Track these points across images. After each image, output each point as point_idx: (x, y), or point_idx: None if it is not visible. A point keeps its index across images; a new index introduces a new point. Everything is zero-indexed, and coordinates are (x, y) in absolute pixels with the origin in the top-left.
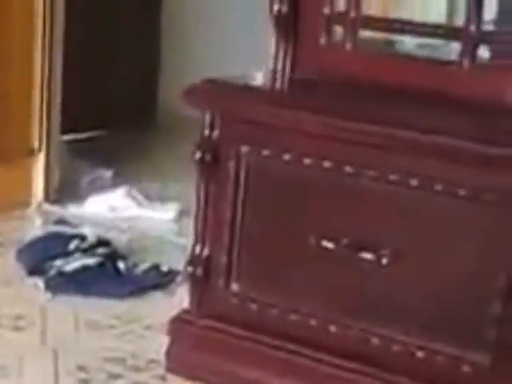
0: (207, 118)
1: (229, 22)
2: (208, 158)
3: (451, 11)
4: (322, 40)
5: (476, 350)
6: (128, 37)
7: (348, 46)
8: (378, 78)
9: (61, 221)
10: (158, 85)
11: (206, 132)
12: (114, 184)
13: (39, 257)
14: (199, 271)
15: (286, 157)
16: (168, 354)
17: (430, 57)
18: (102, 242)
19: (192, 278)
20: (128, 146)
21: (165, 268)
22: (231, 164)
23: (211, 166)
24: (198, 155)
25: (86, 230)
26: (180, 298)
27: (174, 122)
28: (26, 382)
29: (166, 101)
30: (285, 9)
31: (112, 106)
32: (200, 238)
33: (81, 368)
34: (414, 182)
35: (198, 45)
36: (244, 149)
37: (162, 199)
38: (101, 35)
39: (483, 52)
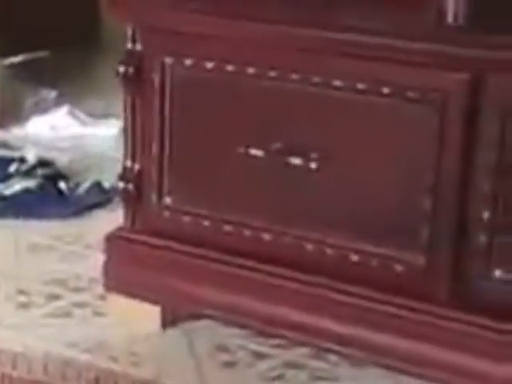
0: (129, 31)
1: None
2: (132, 71)
3: None
4: None
5: (410, 249)
6: None
7: None
8: None
9: (1, 144)
10: (101, 1)
11: (129, 45)
12: (57, 104)
13: None
14: (131, 186)
15: (209, 65)
16: (105, 272)
17: None
18: (43, 163)
19: (124, 193)
20: (71, 65)
21: (107, 185)
22: (156, 76)
23: (136, 79)
24: (121, 69)
25: (27, 152)
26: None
27: (118, 39)
28: None
29: (110, 18)
30: None
31: (54, 26)
32: (130, 152)
33: (20, 292)
34: (338, 83)
35: None
36: (167, 60)
37: (105, 117)
38: None
39: None
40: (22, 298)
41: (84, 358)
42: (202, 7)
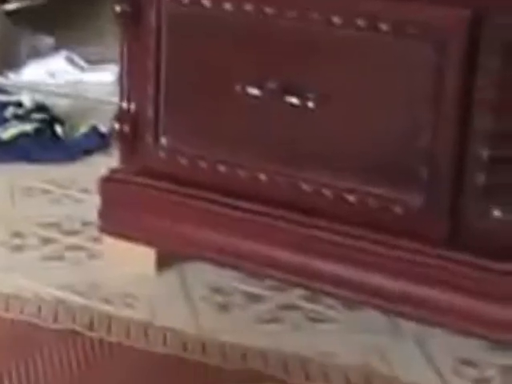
0: None
1: None
2: (128, 8)
3: None
4: None
5: (408, 189)
6: None
7: None
8: None
9: None
10: None
11: None
12: (55, 50)
13: None
14: (126, 128)
15: (206, 2)
16: (100, 214)
17: None
18: (40, 108)
19: (120, 134)
20: (69, 11)
21: (104, 130)
22: (151, 15)
23: (132, 18)
24: (117, 7)
25: (24, 97)
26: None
27: None
28: None
29: None
30: None
31: None
32: (126, 93)
33: (15, 234)
34: (336, 20)
35: None
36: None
37: (103, 63)
38: None
39: None
40: (16, 241)
41: (78, 300)
42: None
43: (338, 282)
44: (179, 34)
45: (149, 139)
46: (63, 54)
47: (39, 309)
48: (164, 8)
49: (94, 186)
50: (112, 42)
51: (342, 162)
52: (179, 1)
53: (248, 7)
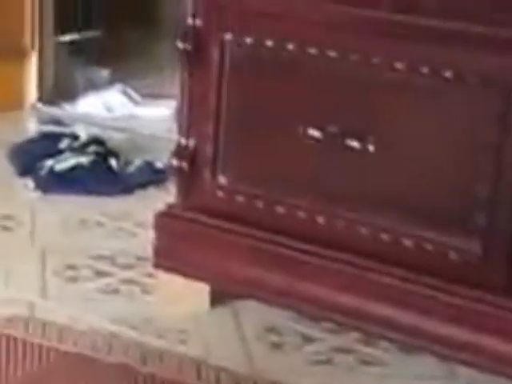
0: (189, 7)
1: None
2: (191, 47)
3: None
4: None
5: (465, 236)
6: None
7: None
8: None
9: (53, 121)
10: None
11: (189, 20)
12: (110, 83)
13: (30, 157)
14: (184, 164)
15: (269, 43)
16: (155, 249)
17: None
18: (95, 141)
19: (178, 171)
20: (126, 44)
21: (158, 164)
22: (215, 53)
23: (194, 55)
24: (180, 45)
25: (79, 129)
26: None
27: (174, 18)
28: (13, 282)
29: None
30: None
31: (109, 5)
32: (185, 129)
33: (69, 266)
34: (398, 66)
35: None
36: (227, 36)
37: (159, 97)
38: None
39: None
40: (71, 273)
41: (131, 334)
42: None
43: (394, 325)
44: (241, 73)
45: (207, 176)
46: (118, 87)
47: (93, 341)
48: (227, 47)
49: (148, 220)
50: (167, 77)
51: (399, 206)
52: (242, 40)
53: (312, 50)
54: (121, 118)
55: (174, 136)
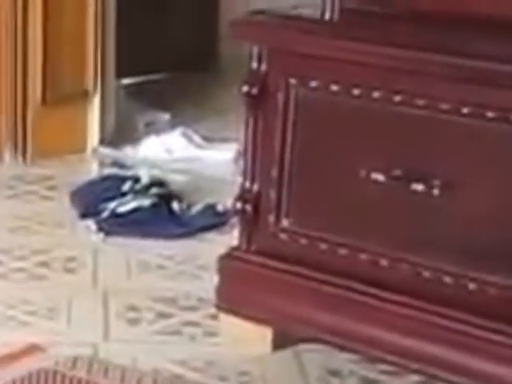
0: (255, 51)
1: None
2: (256, 91)
3: None
4: None
5: None
6: None
7: None
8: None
9: (115, 163)
10: (219, 25)
11: (254, 65)
12: (171, 126)
13: (92, 199)
14: (248, 207)
15: (334, 88)
16: (218, 292)
17: None
18: (157, 183)
19: (241, 214)
20: (187, 88)
21: (220, 208)
22: (279, 97)
23: (259, 99)
24: (245, 88)
25: (141, 172)
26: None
27: (235, 62)
28: (76, 323)
29: (227, 41)
30: None
31: (171, 48)
32: (249, 173)
33: (131, 308)
34: (465, 111)
35: None
36: (292, 81)
37: (220, 140)
38: None
39: None
40: (132, 315)
41: (193, 376)
42: (330, 31)
43: (454, 368)
44: (306, 117)
45: (270, 220)
46: (180, 130)
47: (155, 383)
48: (292, 90)
49: (210, 262)
50: (228, 120)
51: (464, 250)
52: (308, 85)
53: (376, 94)
54: (182, 161)
55: (236, 179)
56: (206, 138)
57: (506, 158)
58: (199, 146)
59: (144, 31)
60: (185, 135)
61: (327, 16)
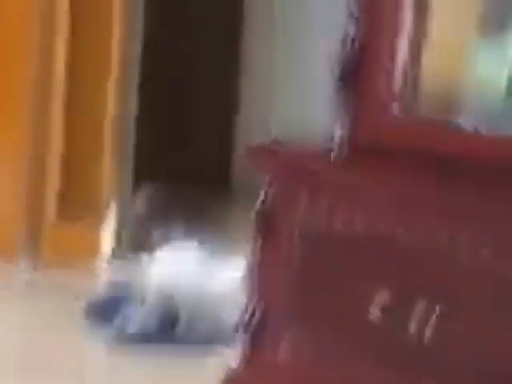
0: (264, 182)
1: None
2: (263, 218)
3: None
4: (381, 109)
5: None
6: (203, 104)
7: (406, 119)
8: (438, 152)
9: (127, 275)
10: (234, 151)
11: (263, 196)
12: (184, 239)
13: (102, 312)
14: (252, 328)
15: (338, 224)
16: None
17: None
18: (165, 299)
19: (244, 335)
20: (201, 204)
21: (226, 325)
22: (285, 227)
23: (266, 227)
24: (254, 214)
25: (150, 285)
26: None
27: (249, 187)
28: None
29: (242, 167)
30: (344, 74)
31: (188, 165)
32: (253, 294)
33: None
34: (462, 247)
35: (275, 116)
36: (299, 215)
37: (231, 258)
38: (175, 102)
39: None
40: None
41: None
42: (338, 166)
43: None
44: (311, 250)
45: (273, 342)
46: (192, 244)
47: None
48: (297, 225)
49: (215, 381)
50: (240, 239)
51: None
52: (312, 220)
53: (379, 230)
54: (192, 275)
55: (243, 298)
56: (217, 255)
57: (502, 300)
58: (210, 262)
59: (159, 145)
60: (196, 250)
61: (335, 154)
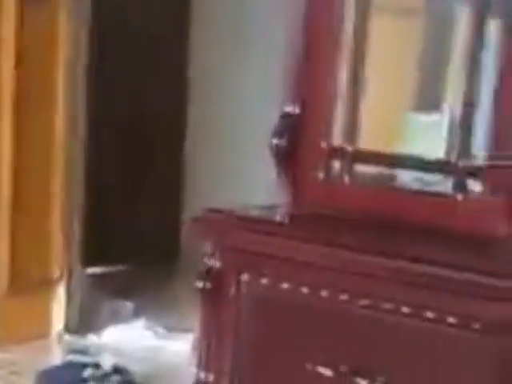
0: (208, 247)
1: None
2: (209, 286)
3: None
4: (320, 174)
5: None
6: (153, 174)
7: (345, 179)
8: (375, 211)
9: (78, 350)
10: (182, 221)
11: (207, 261)
12: (134, 316)
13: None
14: None
15: (284, 285)
16: None
17: (426, 190)
18: (117, 371)
19: None
20: (150, 279)
21: None
22: (231, 292)
23: (213, 293)
24: (200, 284)
25: (103, 359)
26: None
27: (197, 257)
28: None
29: (189, 238)
30: (283, 143)
31: (135, 243)
32: (203, 364)
33: None
34: (406, 310)
35: (219, 189)
36: (244, 277)
37: (181, 330)
38: (127, 173)
39: (475, 186)
40: None
41: None
42: (278, 230)
43: None
44: (257, 312)
45: None
46: (142, 319)
47: None
48: (244, 287)
49: None
50: (188, 311)
51: None
52: (259, 281)
53: (324, 293)
54: (143, 350)
55: (193, 369)
56: (167, 328)
57: (443, 359)
58: (160, 336)
59: (111, 223)
60: (146, 325)
61: (277, 217)
